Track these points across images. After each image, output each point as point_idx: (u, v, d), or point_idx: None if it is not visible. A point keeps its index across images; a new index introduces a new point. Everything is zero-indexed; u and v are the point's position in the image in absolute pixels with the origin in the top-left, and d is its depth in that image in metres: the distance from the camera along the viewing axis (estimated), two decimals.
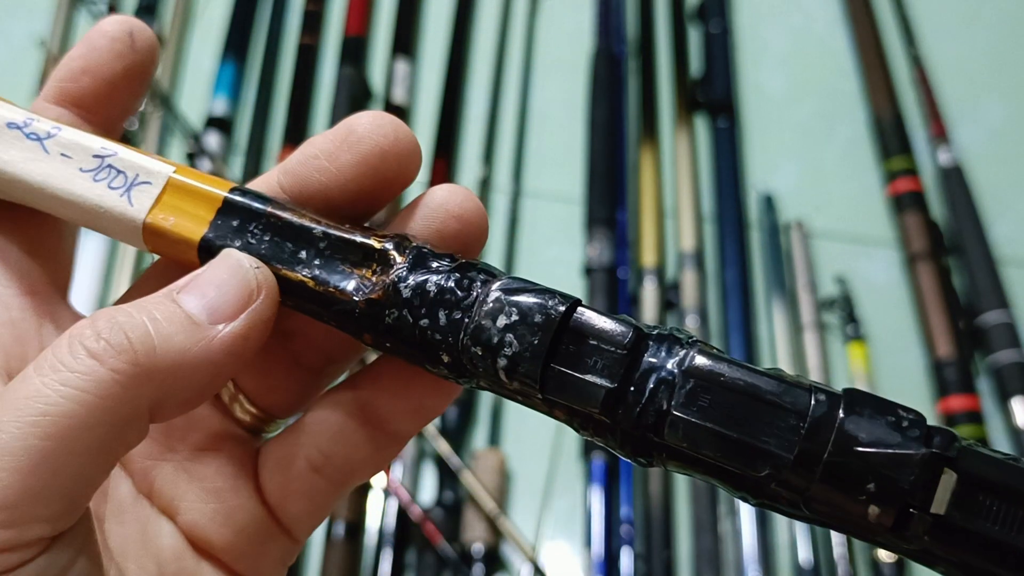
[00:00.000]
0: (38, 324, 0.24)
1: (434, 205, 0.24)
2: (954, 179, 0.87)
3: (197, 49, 1.00)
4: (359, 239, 0.23)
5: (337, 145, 0.23)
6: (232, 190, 0.24)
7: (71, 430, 0.19)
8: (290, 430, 0.24)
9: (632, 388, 0.22)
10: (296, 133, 0.92)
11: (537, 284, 0.23)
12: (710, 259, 0.86)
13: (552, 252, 0.88)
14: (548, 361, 0.22)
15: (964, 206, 0.85)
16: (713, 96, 0.93)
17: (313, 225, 0.24)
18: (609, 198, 0.87)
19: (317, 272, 0.23)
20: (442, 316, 0.22)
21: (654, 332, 0.23)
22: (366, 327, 0.23)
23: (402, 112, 0.93)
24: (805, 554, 0.72)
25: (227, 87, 0.95)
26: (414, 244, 0.23)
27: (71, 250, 0.26)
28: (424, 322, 0.22)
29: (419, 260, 0.23)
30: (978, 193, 0.86)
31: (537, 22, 1.01)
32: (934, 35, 0.97)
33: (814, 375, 0.78)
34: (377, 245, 0.23)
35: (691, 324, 0.81)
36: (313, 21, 0.99)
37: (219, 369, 0.21)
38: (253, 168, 0.91)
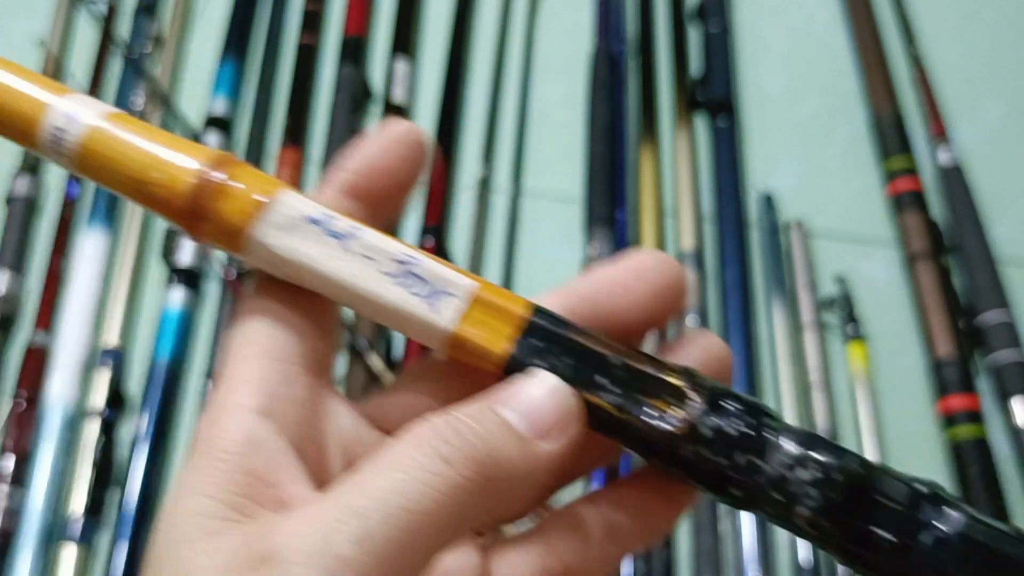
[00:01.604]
0: (319, 405, 0.25)
1: (706, 348, 0.26)
2: (954, 179, 0.87)
3: (197, 49, 1.00)
4: (656, 374, 0.25)
5: (628, 276, 0.25)
6: (535, 311, 0.25)
7: (425, 526, 0.20)
8: (530, 539, 0.25)
9: (913, 543, 0.24)
10: (296, 133, 0.92)
11: (831, 442, 0.25)
12: (710, 259, 0.86)
13: (552, 252, 0.88)
14: (846, 518, 0.24)
15: (964, 206, 0.85)
16: (713, 96, 0.93)
17: (610, 353, 0.25)
18: (609, 197, 0.87)
19: (618, 399, 0.25)
20: (739, 457, 0.24)
21: (926, 492, 0.25)
22: (660, 456, 0.25)
23: (402, 111, 0.93)
24: (805, 554, 0.72)
25: (227, 87, 0.95)
26: (705, 384, 0.25)
27: (339, 332, 0.27)
28: (722, 461, 0.24)
29: (713, 399, 0.25)
30: (978, 193, 0.86)
31: (537, 22, 1.01)
32: (934, 35, 0.97)
33: (813, 375, 0.79)
34: (673, 382, 0.25)
35: (690, 324, 0.81)
36: (313, 21, 0.99)
37: (537, 483, 0.22)
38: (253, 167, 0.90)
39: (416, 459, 0.21)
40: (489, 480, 0.21)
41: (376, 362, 0.78)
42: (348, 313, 0.77)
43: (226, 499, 0.21)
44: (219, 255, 0.85)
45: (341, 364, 0.81)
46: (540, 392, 0.23)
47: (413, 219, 0.89)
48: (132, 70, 0.95)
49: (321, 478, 0.23)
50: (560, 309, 0.26)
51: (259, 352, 0.24)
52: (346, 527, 0.20)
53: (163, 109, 0.94)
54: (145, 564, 0.22)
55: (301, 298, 0.25)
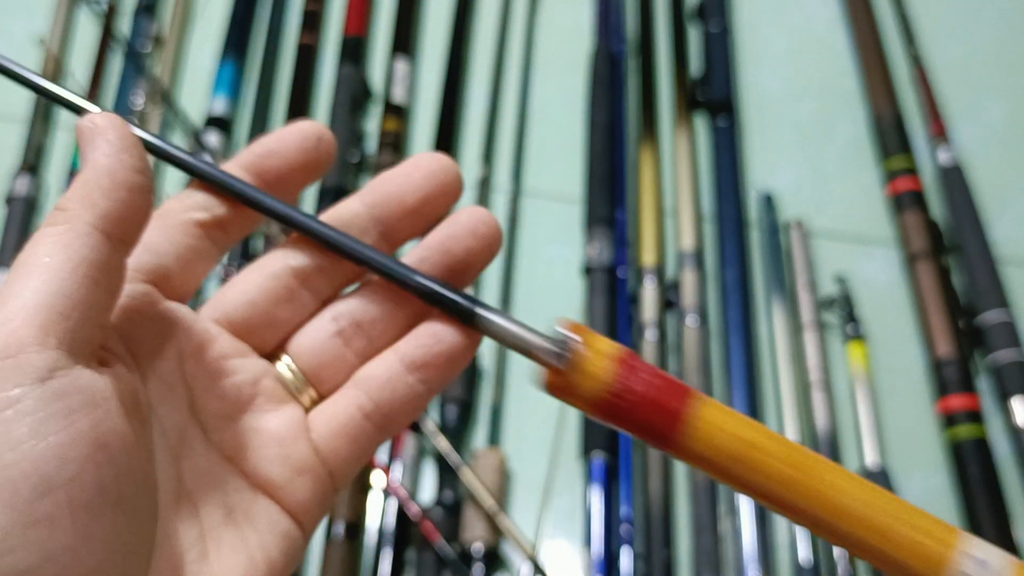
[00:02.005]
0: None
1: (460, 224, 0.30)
2: (954, 178, 0.87)
3: (197, 48, 1.00)
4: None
5: (409, 167, 0.31)
6: None
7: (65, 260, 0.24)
8: (341, 390, 0.29)
9: None
10: None
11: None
12: (710, 258, 0.86)
13: (552, 251, 0.88)
14: None
15: (964, 205, 0.85)
16: (713, 95, 0.93)
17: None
18: (609, 197, 0.87)
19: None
20: None
21: None
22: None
23: (402, 111, 0.93)
24: (805, 553, 0.72)
25: (227, 86, 0.95)
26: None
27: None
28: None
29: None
30: (978, 192, 0.86)
31: (537, 22, 1.01)
32: (934, 34, 0.97)
33: (813, 375, 0.79)
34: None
35: (691, 324, 0.81)
36: (313, 20, 0.99)
37: (113, 177, 0.26)
38: None
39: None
40: (66, 210, 0.25)
41: None
42: None
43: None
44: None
45: None
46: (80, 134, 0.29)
47: None
48: (132, 68, 0.95)
49: None
50: (359, 203, 0.30)
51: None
52: (21, 284, 0.24)
53: (164, 105, 0.94)
54: None
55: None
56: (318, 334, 0.29)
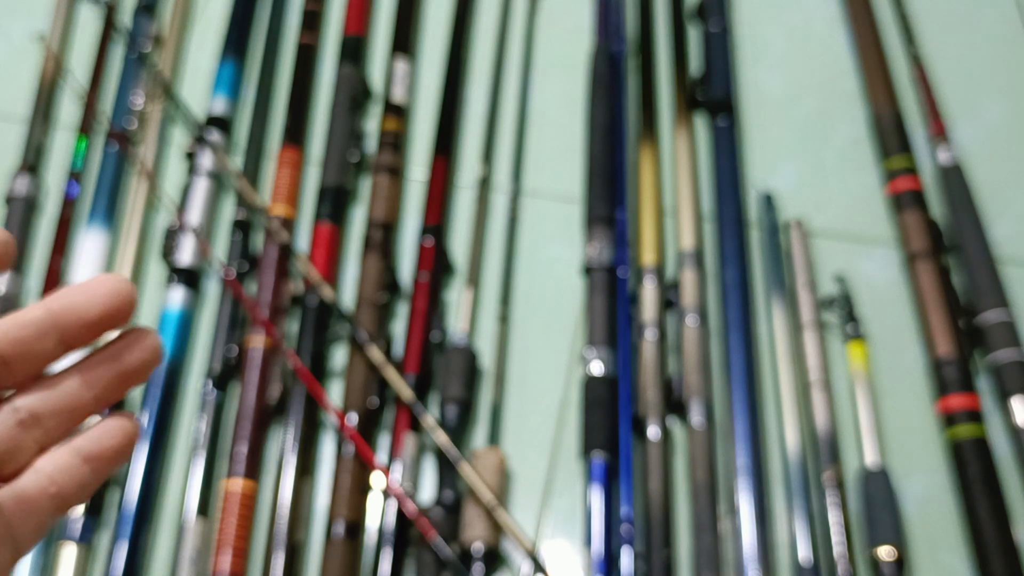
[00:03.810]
0: None
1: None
2: (953, 178, 0.87)
3: (196, 48, 1.00)
4: None
5: (91, 284, 0.33)
6: None
7: None
8: (27, 475, 0.32)
9: None
10: (296, 132, 0.92)
11: None
12: (710, 258, 0.86)
13: (551, 251, 0.88)
14: None
15: (963, 205, 0.85)
16: (713, 95, 0.93)
17: None
18: (608, 197, 0.87)
19: None
20: None
21: None
22: None
23: (402, 111, 0.93)
24: (805, 553, 0.72)
25: (227, 86, 0.95)
26: None
27: None
28: None
29: None
30: (977, 192, 0.86)
31: (536, 21, 1.01)
32: (933, 34, 0.97)
33: (813, 374, 0.79)
34: None
35: (691, 323, 0.81)
36: (312, 20, 0.99)
37: None
38: (253, 167, 0.91)
39: None
40: None
41: (376, 354, 0.78)
42: (349, 305, 0.76)
43: None
44: (218, 254, 0.85)
45: (342, 356, 0.81)
46: None
47: (413, 219, 0.89)
48: (132, 67, 0.95)
49: None
50: (43, 310, 0.33)
51: None
52: None
53: (166, 100, 0.94)
54: None
55: None
56: (2, 422, 0.33)
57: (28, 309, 0.33)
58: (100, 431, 0.34)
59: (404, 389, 0.77)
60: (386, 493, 0.74)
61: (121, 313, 0.33)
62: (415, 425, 0.76)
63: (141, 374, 0.34)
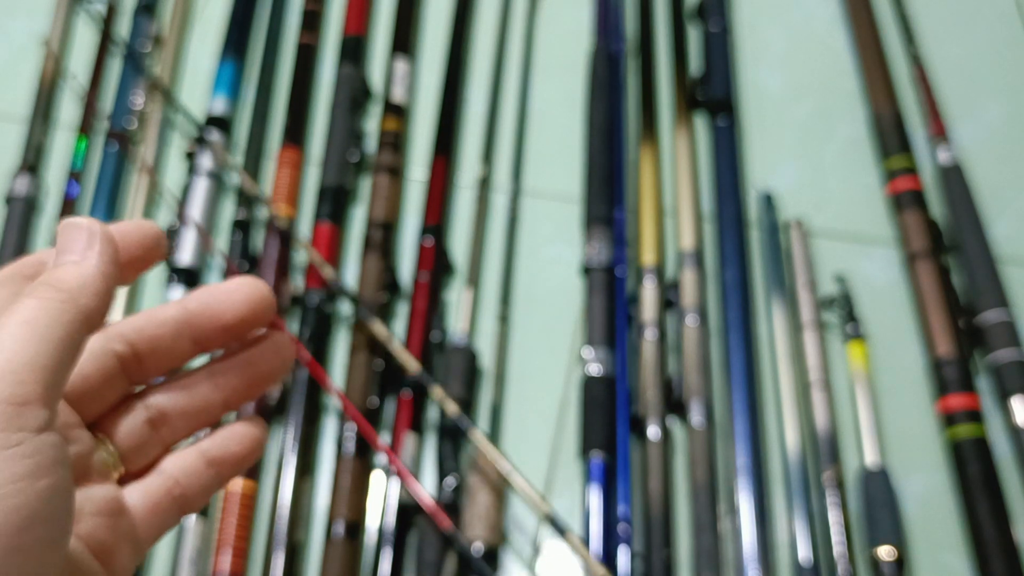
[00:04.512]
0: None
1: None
2: (953, 178, 0.87)
3: (196, 48, 1.00)
4: None
5: (229, 286, 0.33)
6: None
7: (50, 333, 0.27)
8: (153, 475, 0.33)
9: None
10: (296, 132, 0.92)
11: None
12: (709, 258, 0.86)
13: (551, 251, 0.88)
14: None
15: (963, 205, 0.85)
16: (712, 95, 0.93)
17: None
18: (608, 197, 0.87)
19: None
20: None
21: None
22: None
23: (402, 111, 0.93)
24: (805, 553, 0.72)
25: (226, 86, 0.95)
26: None
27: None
28: None
29: None
30: (977, 192, 0.86)
31: (536, 21, 1.01)
32: (933, 34, 0.97)
33: (813, 374, 0.78)
34: None
35: (691, 323, 0.81)
36: (312, 20, 0.99)
37: (101, 282, 0.29)
38: (253, 167, 0.91)
39: (20, 301, 0.27)
40: (64, 292, 0.28)
41: (380, 329, 0.78)
42: (351, 284, 0.76)
43: None
44: (220, 249, 0.85)
45: (345, 338, 0.81)
46: (68, 232, 0.30)
47: (413, 219, 0.89)
48: (132, 68, 0.95)
49: None
50: (179, 309, 0.33)
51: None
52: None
53: (164, 102, 0.94)
54: None
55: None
56: (132, 418, 0.33)
57: (165, 306, 0.33)
58: (227, 435, 0.34)
59: (410, 361, 0.77)
60: (388, 471, 0.74)
61: (257, 318, 0.33)
62: (419, 403, 0.77)
63: (272, 379, 0.34)
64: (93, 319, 0.28)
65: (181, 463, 0.33)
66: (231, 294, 0.33)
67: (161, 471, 0.33)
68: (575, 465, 0.78)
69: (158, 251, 0.32)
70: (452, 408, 0.74)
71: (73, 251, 0.29)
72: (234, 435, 0.34)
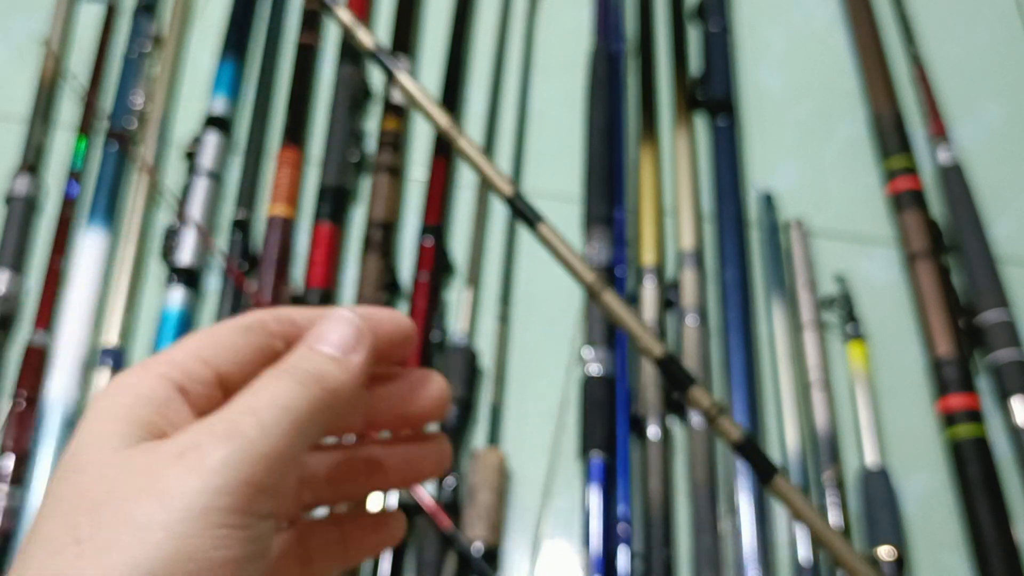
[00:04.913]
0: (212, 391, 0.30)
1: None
2: (953, 178, 0.87)
3: (196, 48, 1.00)
4: None
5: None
6: None
7: (298, 424, 0.27)
8: (289, 535, 0.33)
9: None
10: (295, 132, 0.92)
11: None
12: (709, 258, 0.86)
13: None
14: None
15: (963, 205, 0.85)
16: (712, 95, 0.93)
17: None
18: (608, 197, 0.87)
19: None
20: None
21: None
22: None
23: (401, 111, 0.93)
24: (805, 553, 0.72)
25: (226, 86, 0.95)
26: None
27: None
28: None
29: None
30: (977, 192, 0.86)
31: (536, 21, 1.01)
32: (933, 34, 0.97)
33: (813, 374, 0.78)
34: None
35: (691, 323, 0.81)
36: (313, 20, 0.99)
37: (357, 392, 0.30)
38: (252, 167, 0.91)
39: (282, 383, 0.28)
40: (326, 390, 0.28)
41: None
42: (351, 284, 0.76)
43: (141, 428, 0.27)
44: (220, 249, 0.85)
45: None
46: (338, 326, 0.30)
47: (413, 219, 0.89)
48: (132, 66, 0.95)
49: None
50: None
51: (193, 349, 0.30)
52: (248, 419, 0.27)
53: (163, 107, 0.94)
54: (59, 469, 0.27)
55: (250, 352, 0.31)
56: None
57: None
58: (370, 522, 0.35)
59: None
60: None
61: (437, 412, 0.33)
62: None
63: (423, 479, 0.35)
64: (337, 423, 0.30)
65: (320, 533, 0.33)
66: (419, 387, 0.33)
67: (299, 537, 0.33)
68: (575, 465, 0.78)
69: (407, 347, 0.33)
70: (451, 408, 0.74)
71: (336, 346, 0.30)
72: (376, 524, 0.35)
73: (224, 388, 0.29)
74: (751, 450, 0.63)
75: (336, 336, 0.30)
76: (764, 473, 0.62)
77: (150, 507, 0.25)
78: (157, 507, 0.25)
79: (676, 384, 0.66)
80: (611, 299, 0.66)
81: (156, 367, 0.29)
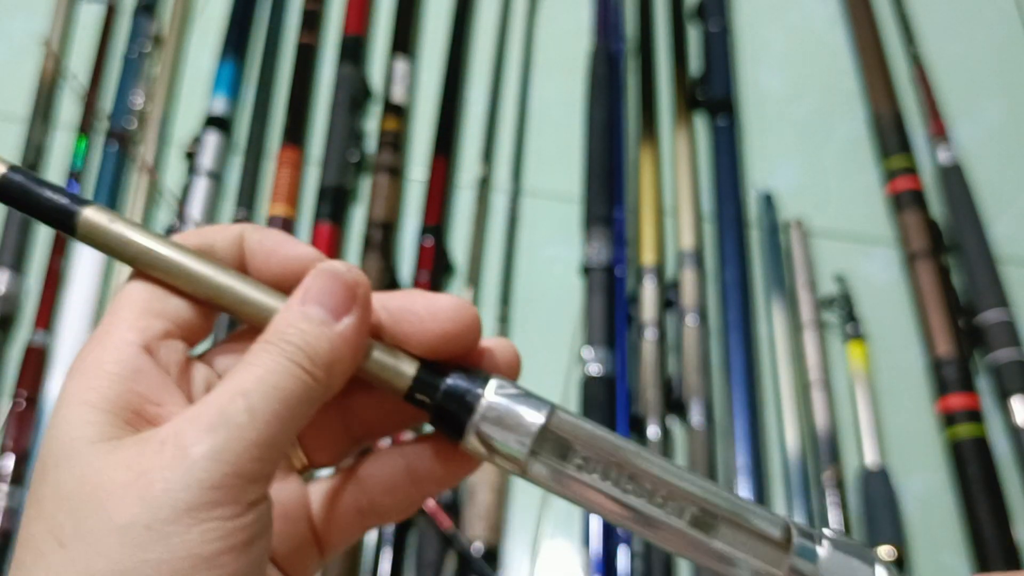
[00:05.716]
0: (184, 357, 0.28)
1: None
2: (953, 177, 0.87)
3: (196, 48, 1.00)
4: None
5: (424, 312, 0.29)
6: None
7: (290, 401, 0.25)
8: (342, 477, 0.31)
9: None
10: (295, 132, 0.92)
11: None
12: (709, 258, 0.86)
13: (550, 251, 0.88)
14: None
15: (963, 204, 0.85)
16: (712, 95, 0.93)
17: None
18: (608, 197, 0.87)
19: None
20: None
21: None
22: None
23: (402, 111, 0.93)
24: None
25: (226, 86, 0.95)
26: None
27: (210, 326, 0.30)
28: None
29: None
30: (977, 191, 0.86)
31: (536, 22, 1.01)
32: (933, 34, 0.97)
33: (813, 374, 0.78)
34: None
35: (690, 323, 0.81)
36: (312, 20, 0.99)
37: (353, 353, 0.27)
38: (252, 167, 0.91)
39: (271, 358, 0.26)
40: (318, 366, 0.26)
41: None
42: None
43: (116, 412, 0.26)
44: None
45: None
46: (327, 281, 0.27)
47: (413, 219, 0.89)
48: (133, 66, 0.95)
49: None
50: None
51: (143, 305, 0.28)
52: (236, 403, 0.25)
53: (163, 107, 0.94)
54: (38, 466, 0.26)
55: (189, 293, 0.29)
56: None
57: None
58: (429, 449, 0.31)
59: None
60: None
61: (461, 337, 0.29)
62: None
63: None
64: (330, 397, 0.27)
65: (379, 471, 0.30)
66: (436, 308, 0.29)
67: (355, 482, 0.30)
68: None
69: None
70: None
71: (326, 305, 0.27)
72: (448, 452, 0.30)
73: (185, 333, 0.28)
74: None
75: (322, 292, 0.27)
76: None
77: (133, 506, 0.24)
78: (140, 507, 0.24)
79: None
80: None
81: (116, 332, 0.27)
